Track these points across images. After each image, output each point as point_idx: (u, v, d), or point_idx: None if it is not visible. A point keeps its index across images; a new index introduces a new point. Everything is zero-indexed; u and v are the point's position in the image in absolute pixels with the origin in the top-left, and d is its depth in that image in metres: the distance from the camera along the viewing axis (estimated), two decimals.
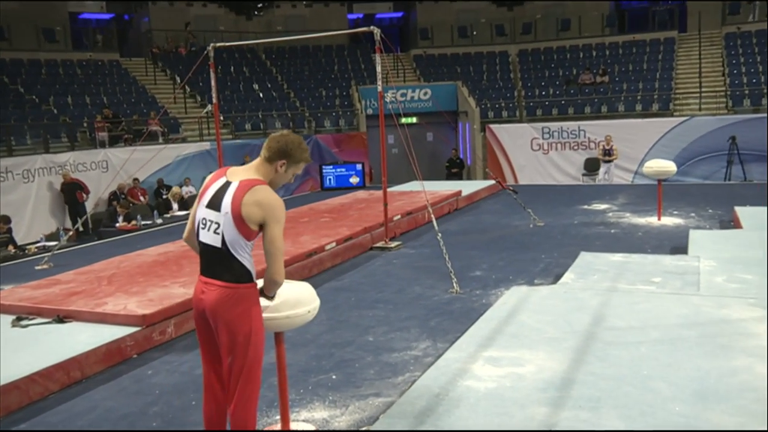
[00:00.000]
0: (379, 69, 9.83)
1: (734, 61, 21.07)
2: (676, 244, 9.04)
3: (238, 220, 3.43)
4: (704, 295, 6.22)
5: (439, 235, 8.24)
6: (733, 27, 22.53)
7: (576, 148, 19.77)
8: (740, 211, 10.22)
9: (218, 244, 3.49)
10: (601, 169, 18.61)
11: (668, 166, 10.75)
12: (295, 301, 3.94)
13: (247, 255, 3.53)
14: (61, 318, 6.12)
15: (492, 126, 20.35)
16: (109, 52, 23.06)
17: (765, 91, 19.03)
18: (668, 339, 5.22)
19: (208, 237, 3.54)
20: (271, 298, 3.71)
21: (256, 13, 26.80)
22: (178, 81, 20.61)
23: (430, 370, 4.89)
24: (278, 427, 4.30)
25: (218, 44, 11.40)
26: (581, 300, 6.23)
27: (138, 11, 25.78)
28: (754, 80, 19.76)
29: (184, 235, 3.89)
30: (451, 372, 4.72)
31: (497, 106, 21.34)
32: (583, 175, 19.53)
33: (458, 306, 6.92)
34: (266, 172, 3.57)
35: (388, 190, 13.27)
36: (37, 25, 21.61)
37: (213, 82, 11.36)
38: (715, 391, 4.28)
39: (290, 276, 8.01)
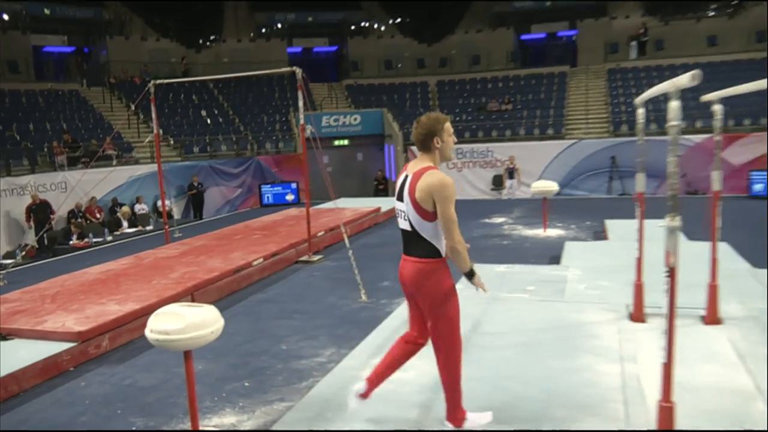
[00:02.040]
0: (300, 104, 9.85)
1: (615, 93, 21.74)
2: (554, 253, 9.29)
3: (416, 205, 3.59)
4: (566, 302, 6.46)
5: (351, 251, 8.28)
6: (613, 64, 23.28)
7: (485, 166, 20.16)
8: (609, 223, 10.59)
9: (408, 228, 3.72)
10: (506, 185, 19.05)
11: (550, 185, 11.10)
12: (199, 323, 3.97)
13: (432, 234, 3.66)
14: (4, 335, 6.00)
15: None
16: (69, 83, 22.52)
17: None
18: (529, 342, 5.41)
19: (401, 223, 3.80)
20: (468, 274, 3.80)
21: (208, 43, 26.56)
22: (133, 108, 20.23)
23: (327, 377, 4.92)
24: None
25: (158, 81, 11.27)
26: (465, 308, 6.22)
27: (97, 44, 25.19)
28: (629, 109, 20.43)
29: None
30: (345, 379, 4.76)
31: None
32: (492, 189, 19.92)
33: (365, 315, 6.99)
34: (430, 156, 3.68)
35: (317, 207, 13.39)
36: (1, 58, 20.95)
37: (153, 115, 11.25)
38: (560, 387, 4.45)
39: (221, 289, 8.07)
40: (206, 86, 24.01)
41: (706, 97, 5.84)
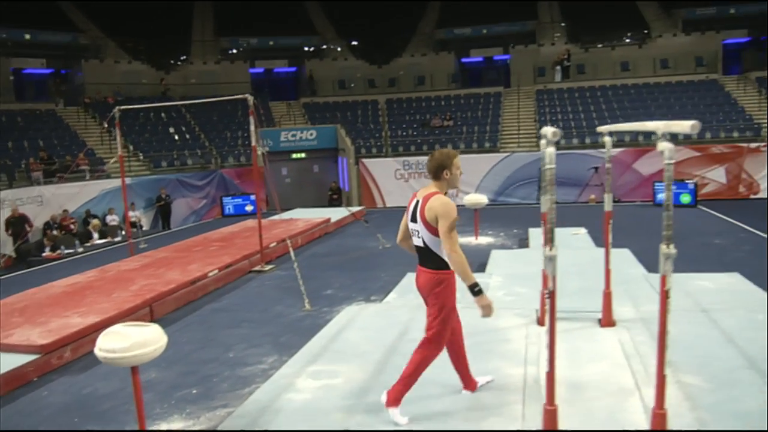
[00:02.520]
0: (252, 128, 9.79)
1: (543, 111, 22.18)
2: (483, 260, 9.43)
3: (426, 224, 3.95)
4: None
5: (296, 263, 8.34)
6: (541, 85, 23.77)
7: (429, 176, 20.30)
8: (531, 231, 10.81)
9: (422, 245, 4.05)
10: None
11: (481, 198, 11.29)
12: (143, 342, 4.00)
13: (442, 249, 3.95)
14: None
15: (364, 160, 20.65)
16: (46, 102, 21.98)
17: (563, 134, 20.21)
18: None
19: (415, 241, 4.11)
20: (473, 290, 3.91)
21: (177, 64, 26.24)
22: (105, 126, 19.85)
23: (265, 384, 4.94)
24: None
25: (122, 107, 11.10)
26: (396, 317, 6.45)
27: (74, 67, 24.65)
28: (555, 126, 20.90)
29: (398, 238, 4.40)
30: (280, 386, 4.81)
31: (368, 144, 21.66)
32: None
33: (308, 322, 7.02)
34: (439, 185, 4.07)
35: (272, 218, 13.37)
36: None
37: (118, 138, 11.06)
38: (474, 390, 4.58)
39: (179, 300, 8.01)
40: (174, 105, 23.70)
41: (601, 128, 6.06)
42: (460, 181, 4.16)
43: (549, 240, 3.49)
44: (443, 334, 4.12)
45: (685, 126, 3.15)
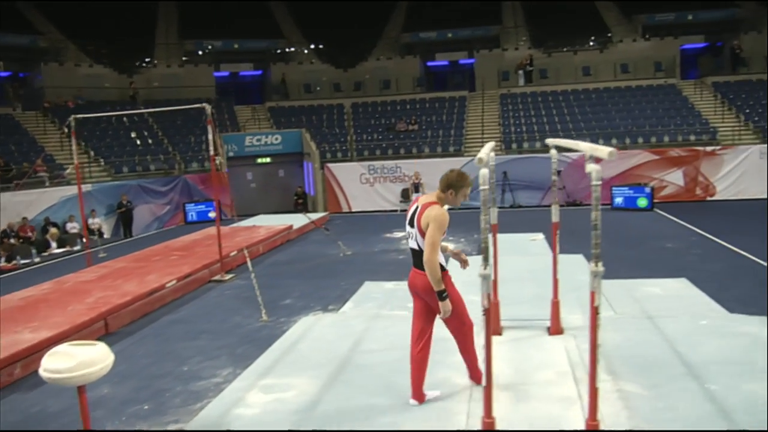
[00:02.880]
0: (210, 137, 9.74)
1: (506, 115, 22.46)
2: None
3: (421, 230, 4.25)
4: (439, 317, 6.68)
5: (253, 274, 8.35)
6: (506, 89, 24.08)
7: (394, 181, 20.47)
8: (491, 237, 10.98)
9: (416, 247, 4.35)
10: (413, 197, 19.40)
11: None
12: (89, 361, 3.98)
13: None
14: None
15: (329, 165, 20.69)
16: (3, 107, 21.51)
17: (526, 138, 20.54)
18: (400, 358, 5.51)
19: (411, 243, 4.42)
20: (441, 295, 4.29)
21: (142, 65, 25.91)
22: (65, 131, 19.53)
23: (215, 400, 4.94)
24: None
25: (78, 115, 10.96)
26: (351, 327, 6.52)
27: (33, 70, 24.16)
28: (518, 130, 21.25)
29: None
30: (231, 401, 4.82)
31: (333, 148, 21.68)
32: (401, 201, 20.24)
33: (265, 333, 7.03)
34: (441, 197, 4.32)
35: (235, 225, 13.32)
36: None
37: (74, 146, 10.91)
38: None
39: (135, 312, 7.97)
40: (138, 108, 23.41)
41: (548, 141, 6.23)
42: (459, 203, 4.41)
43: (485, 258, 3.60)
44: (464, 320, 4.59)
45: (604, 152, 3.30)
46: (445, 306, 4.31)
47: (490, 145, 4.84)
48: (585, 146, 3.62)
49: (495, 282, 6.20)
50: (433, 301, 4.39)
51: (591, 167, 3.38)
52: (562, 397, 4.68)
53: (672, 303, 7.03)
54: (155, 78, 25.62)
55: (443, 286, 4.26)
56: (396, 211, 19.85)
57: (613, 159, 3.32)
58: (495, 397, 4.68)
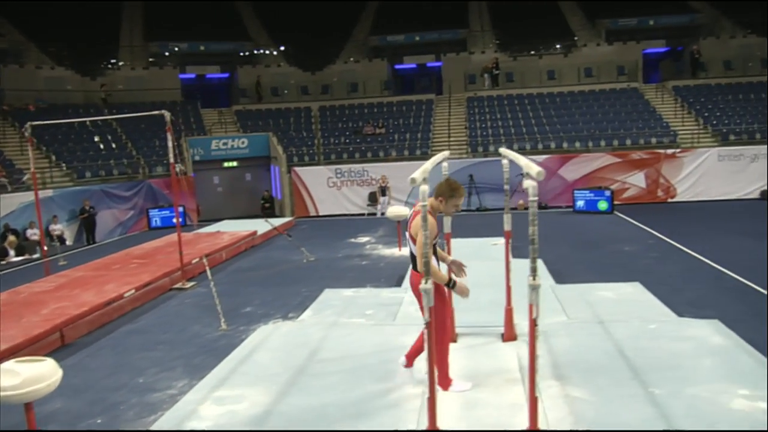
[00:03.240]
0: (170, 144, 9.67)
1: (473, 118, 22.70)
2: (402, 273, 9.52)
3: (411, 236, 4.62)
4: (396, 325, 6.75)
5: (212, 283, 8.32)
6: (472, 92, 24.33)
7: (361, 184, 20.54)
8: (453, 242, 11.07)
9: (410, 251, 4.78)
10: (380, 201, 19.53)
11: (402, 210, 11.51)
12: (36, 378, 4.00)
13: None
14: None
15: (296, 168, 20.67)
16: None
17: (492, 141, 20.77)
18: (356, 367, 5.61)
19: (409, 246, 4.80)
20: (448, 285, 4.66)
21: (105, 68, 25.54)
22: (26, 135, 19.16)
23: (168, 412, 4.89)
24: None
25: (34, 123, 10.79)
26: (308, 335, 6.53)
27: None
28: (484, 133, 21.49)
29: None
30: (183, 414, 4.77)
31: (300, 152, 21.67)
32: (368, 205, 20.33)
33: (223, 343, 7.00)
34: (433, 203, 4.52)
35: (199, 231, 13.23)
36: None
37: (30, 154, 10.76)
38: (369, 411, 4.70)
39: (92, 323, 7.88)
40: (101, 112, 23.11)
41: (501, 150, 6.32)
42: (451, 212, 4.75)
43: (426, 272, 3.68)
44: (439, 317, 4.59)
45: (534, 170, 3.41)
46: (457, 290, 4.66)
47: (433, 160, 4.90)
48: (523, 161, 3.73)
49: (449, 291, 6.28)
50: (420, 298, 4.47)
51: (528, 183, 3.48)
52: (511, 403, 4.77)
53: (624, 307, 7.20)
54: (119, 80, 25.30)
55: (446, 278, 4.63)
56: (363, 214, 19.95)
57: (541, 179, 3.43)
58: (445, 404, 4.81)
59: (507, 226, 6.21)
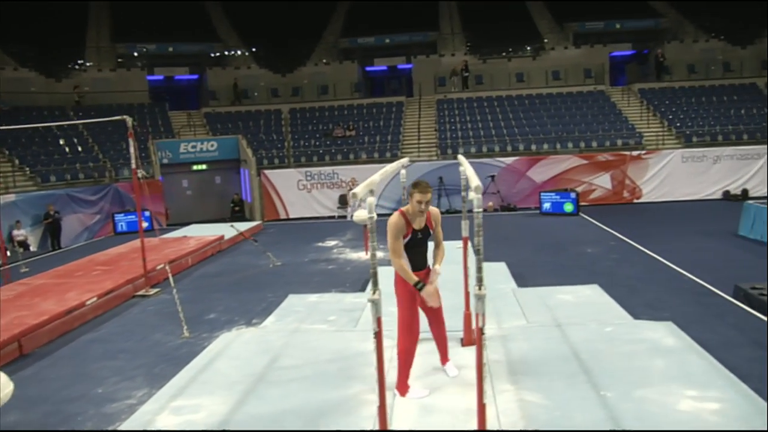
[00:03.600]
0: (132, 150, 9.58)
1: (443, 120, 22.85)
2: (368, 277, 9.65)
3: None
4: (357, 331, 6.80)
5: (175, 291, 8.28)
6: (442, 95, 24.50)
7: (332, 187, 20.55)
8: None
9: None
10: (350, 203, 19.55)
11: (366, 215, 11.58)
12: None
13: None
14: None
15: (266, 171, 20.60)
16: None
17: (461, 143, 20.95)
18: (315, 374, 5.65)
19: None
20: (416, 286, 4.86)
21: (71, 70, 25.14)
22: None
23: (125, 423, 4.89)
24: None
25: None
26: (269, 342, 6.55)
27: None
28: (454, 135, 21.66)
29: None
30: (141, 424, 4.74)
31: (270, 155, 21.59)
32: (338, 207, 20.34)
33: (185, 351, 6.98)
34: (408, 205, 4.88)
35: (166, 236, 13.13)
36: None
37: None
38: (327, 419, 4.73)
39: (52, 332, 7.79)
40: (67, 115, 22.77)
41: (460, 158, 6.42)
42: (417, 209, 4.83)
43: (374, 282, 3.74)
44: (405, 321, 5.01)
45: (473, 184, 3.50)
46: (425, 293, 4.83)
47: (384, 171, 4.96)
48: (469, 172, 3.83)
49: None
50: (397, 296, 5.06)
51: (473, 195, 3.56)
52: (466, 408, 4.85)
53: (582, 310, 7.34)
54: (86, 83, 24.91)
55: (414, 279, 4.83)
56: (333, 217, 19.97)
57: (479, 195, 3.52)
58: (402, 410, 4.89)
59: (465, 233, 6.31)
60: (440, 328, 5.44)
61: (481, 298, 3.62)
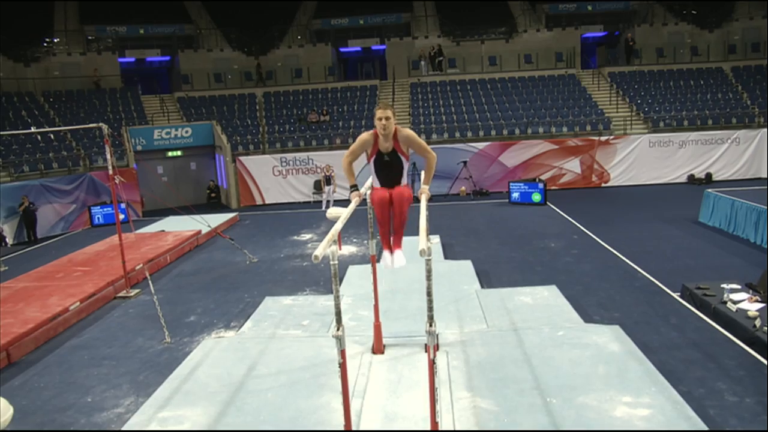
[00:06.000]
0: (109, 157, 9.82)
1: (416, 104, 23.20)
2: (342, 274, 10.01)
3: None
4: (328, 336, 7.25)
5: (155, 296, 8.67)
6: (415, 78, 24.80)
7: (307, 172, 20.92)
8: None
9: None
10: (325, 190, 19.95)
11: (341, 212, 12.01)
12: None
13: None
14: None
15: (241, 157, 20.87)
16: None
17: (434, 128, 21.39)
18: (289, 382, 6.11)
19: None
20: (351, 189, 5.58)
21: (38, 54, 24.89)
22: None
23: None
24: None
25: None
26: (246, 350, 7.01)
27: None
28: (427, 120, 22.07)
29: None
30: None
31: (245, 140, 21.79)
32: (313, 193, 20.73)
33: (166, 357, 7.41)
34: None
35: (140, 231, 13.43)
36: None
37: None
38: (299, 427, 5.27)
39: (37, 339, 8.18)
40: (37, 101, 22.71)
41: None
42: (380, 129, 5.14)
43: (337, 321, 4.23)
44: (378, 218, 5.60)
45: (420, 247, 4.00)
46: (352, 197, 5.43)
47: (338, 224, 5.23)
48: (421, 233, 4.33)
49: (376, 297, 6.87)
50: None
51: (420, 252, 4.06)
52: (425, 416, 5.42)
53: (539, 313, 7.92)
54: (54, 67, 24.73)
55: (352, 181, 5.45)
56: (309, 202, 20.39)
57: (423, 258, 4.02)
58: (367, 417, 5.44)
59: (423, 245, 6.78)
60: (400, 222, 5.67)
61: (432, 334, 4.11)
